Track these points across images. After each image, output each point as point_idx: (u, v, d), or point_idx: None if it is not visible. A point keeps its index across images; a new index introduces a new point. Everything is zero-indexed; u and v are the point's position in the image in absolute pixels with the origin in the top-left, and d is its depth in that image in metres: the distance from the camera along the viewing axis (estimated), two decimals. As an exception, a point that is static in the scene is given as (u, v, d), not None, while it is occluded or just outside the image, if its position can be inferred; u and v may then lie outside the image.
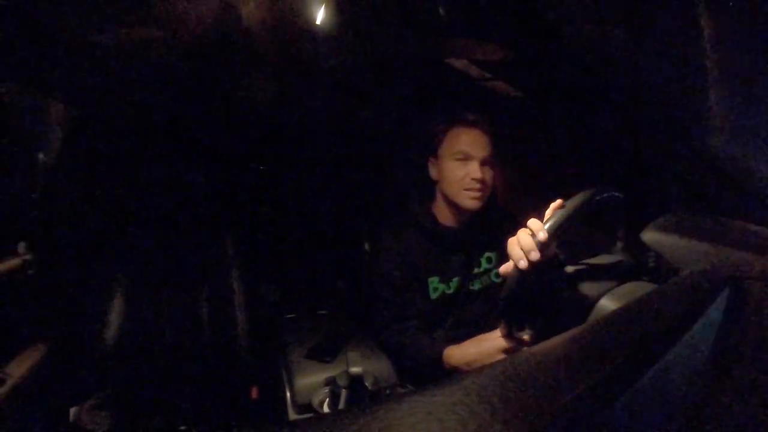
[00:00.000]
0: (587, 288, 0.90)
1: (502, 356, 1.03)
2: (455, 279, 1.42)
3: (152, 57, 1.55)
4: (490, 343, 1.09)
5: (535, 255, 0.87)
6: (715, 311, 0.58)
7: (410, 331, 1.36)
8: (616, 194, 0.91)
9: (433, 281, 1.40)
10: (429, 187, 1.48)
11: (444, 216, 1.45)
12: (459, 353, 1.15)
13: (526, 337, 1.03)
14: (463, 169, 1.34)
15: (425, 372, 1.25)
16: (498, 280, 1.45)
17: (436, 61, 1.60)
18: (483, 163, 1.34)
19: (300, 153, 2.43)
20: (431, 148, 1.43)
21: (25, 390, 1.21)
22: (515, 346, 1.02)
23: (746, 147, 0.82)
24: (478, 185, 1.33)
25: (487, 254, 1.47)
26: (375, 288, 1.43)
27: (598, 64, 1.02)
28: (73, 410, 1.28)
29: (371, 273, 1.46)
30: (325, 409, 1.27)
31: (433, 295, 1.40)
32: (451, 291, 1.41)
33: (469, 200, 1.35)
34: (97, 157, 1.68)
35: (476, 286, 1.44)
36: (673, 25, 0.79)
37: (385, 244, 1.45)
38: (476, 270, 1.45)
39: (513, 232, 1.48)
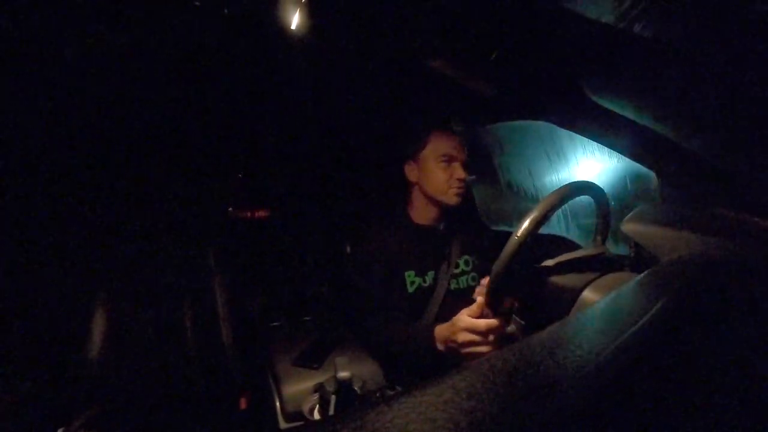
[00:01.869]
0: (569, 280, 0.91)
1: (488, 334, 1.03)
2: (431, 272, 1.47)
3: (128, 65, 1.53)
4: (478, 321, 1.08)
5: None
6: (693, 298, 0.59)
7: (396, 321, 1.38)
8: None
9: (410, 275, 1.45)
10: (403, 189, 1.57)
11: (419, 215, 1.53)
12: (446, 332, 1.14)
13: (511, 329, 1.03)
14: (447, 170, 1.45)
15: (418, 358, 1.24)
16: (475, 284, 1.52)
17: (412, 60, 1.60)
18: (463, 164, 1.46)
19: (279, 159, 2.42)
20: (408, 152, 1.50)
21: (10, 413, 1.18)
22: (501, 325, 1.02)
23: (725, 139, 0.84)
24: (462, 184, 1.45)
25: (465, 257, 1.54)
26: (358, 284, 1.46)
27: (577, 59, 1.03)
28: (60, 431, 1.25)
29: (353, 271, 1.49)
30: (316, 415, 1.26)
31: (410, 289, 1.45)
32: (427, 284, 1.46)
33: (454, 197, 1.45)
34: (75, 168, 1.65)
35: (453, 285, 1.49)
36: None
37: (364, 241, 1.50)
38: (455, 270, 1.50)
39: (487, 237, 1.54)
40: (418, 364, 1.26)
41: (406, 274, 1.45)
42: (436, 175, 1.45)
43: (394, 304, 1.41)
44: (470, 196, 1.57)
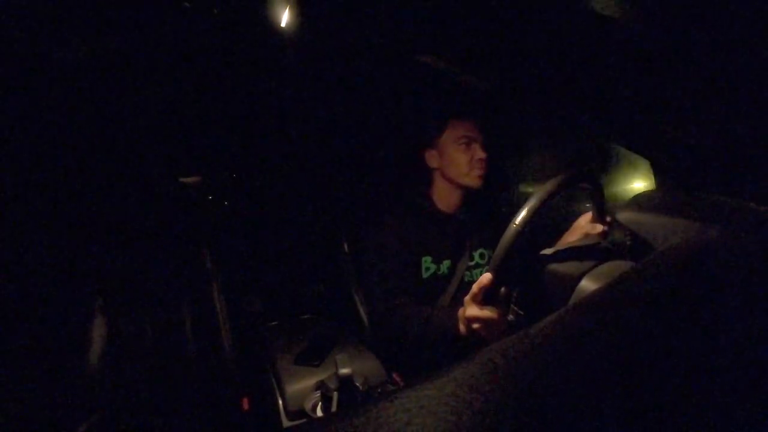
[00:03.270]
0: (567, 269, 0.91)
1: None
2: (446, 261, 1.48)
3: (120, 67, 1.52)
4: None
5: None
6: (690, 285, 0.60)
7: (412, 304, 1.37)
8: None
9: (426, 260, 1.46)
10: (423, 176, 1.58)
11: (441, 201, 1.55)
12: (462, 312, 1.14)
13: (510, 317, 1.03)
14: (467, 152, 1.46)
15: (440, 339, 1.23)
16: None
17: (404, 57, 1.61)
18: (482, 145, 1.47)
19: (274, 158, 2.42)
20: (427, 140, 1.52)
21: (12, 421, 1.18)
22: (500, 313, 1.02)
23: (720, 126, 0.85)
24: (482, 164, 1.46)
25: (480, 250, 1.55)
26: (372, 264, 1.47)
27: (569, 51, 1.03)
28: (64, 440, 1.24)
29: (361, 256, 1.52)
30: (318, 413, 1.27)
31: (425, 275, 1.46)
32: (441, 272, 1.47)
33: (476, 179, 1.47)
34: (70, 172, 1.64)
35: (468, 278, 1.50)
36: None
37: (382, 221, 1.51)
38: (470, 263, 1.51)
39: (502, 230, 1.53)
40: (439, 345, 1.25)
41: (423, 259, 1.46)
42: (457, 158, 1.47)
43: (408, 287, 1.41)
44: (491, 185, 1.57)
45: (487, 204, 1.63)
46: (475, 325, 1.05)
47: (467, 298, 1.05)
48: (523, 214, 0.91)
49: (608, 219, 1.10)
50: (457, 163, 1.47)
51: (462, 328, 1.14)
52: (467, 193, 1.53)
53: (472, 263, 1.52)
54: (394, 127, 2.16)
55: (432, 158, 1.53)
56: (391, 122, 2.18)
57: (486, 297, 1.01)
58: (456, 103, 1.55)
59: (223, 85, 1.91)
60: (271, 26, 1.42)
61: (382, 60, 1.74)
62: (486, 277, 0.97)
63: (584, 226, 1.19)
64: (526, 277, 0.98)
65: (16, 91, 1.39)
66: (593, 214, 1.11)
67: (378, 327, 1.50)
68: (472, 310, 1.04)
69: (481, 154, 1.46)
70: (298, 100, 2.14)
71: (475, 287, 1.01)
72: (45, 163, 1.55)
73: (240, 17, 1.45)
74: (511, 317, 1.03)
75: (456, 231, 1.53)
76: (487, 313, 1.02)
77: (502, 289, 1.00)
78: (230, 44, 1.59)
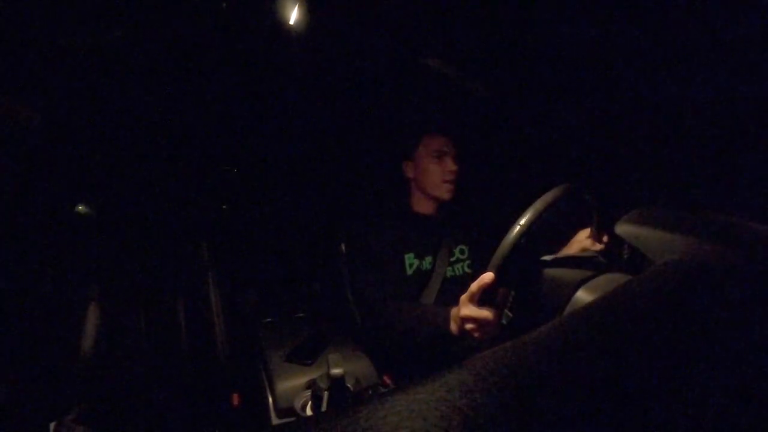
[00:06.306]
0: (564, 279, 0.91)
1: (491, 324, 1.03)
2: (428, 257, 1.57)
3: (124, 59, 1.52)
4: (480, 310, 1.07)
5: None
6: (686, 301, 0.60)
7: (403, 302, 1.44)
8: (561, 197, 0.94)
9: (409, 257, 1.55)
10: (403, 184, 1.68)
11: (418, 206, 1.65)
12: (455, 312, 1.14)
13: (504, 321, 1.03)
14: (439, 165, 1.57)
15: (432, 338, 1.25)
16: (470, 271, 1.62)
17: (410, 60, 1.62)
18: (454, 158, 1.58)
19: (273, 156, 2.42)
20: (406, 152, 1.63)
21: (3, 407, 1.17)
22: (496, 315, 1.02)
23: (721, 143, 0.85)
24: (453, 177, 1.57)
25: (460, 246, 1.63)
26: (359, 262, 1.54)
27: (572, 61, 1.04)
28: (52, 425, 1.24)
29: (353, 257, 1.57)
30: (308, 412, 1.26)
31: (409, 271, 1.54)
32: (424, 269, 1.56)
33: (446, 192, 1.58)
34: (69, 163, 1.64)
35: (450, 273, 1.57)
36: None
37: (364, 227, 1.59)
38: (451, 259, 1.59)
39: (483, 228, 1.59)
40: (431, 343, 1.27)
41: (406, 256, 1.54)
42: (430, 169, 1.58)
43: (394, 282, 1.49)
44: (464, 189, 1.63)
45: (463, 205, 1.72)
46: (469, 326, 1.06)
47: (464, 297, 1.06)
48: (528, 215, 0.91)
49: (605, 239, 1.10)
50: (430, 175, 1.59)
51: (454, 327, 1.16)
52: (441, 201, 1.63)
53: (453, 259, 1.60)
54: (380, 137, 2.19)
55: (409, 169, 1.63)
56: (378, 132, 2.20)
57: (484, 297, 1.01)
58: (430, 119, 1.66)
59: (227, 81, 1.91)
60: (279, 23, 1.43)
61: (384, 62, 1.76)
62: (487, 275, 0.98)
63: (582, 241, 1.21)
64: (524, 282, 0.98)
65: (17, 82, 1.39)
66: (592, 230, 1.11)
67: (368, 321, 1.51)
68: (467, 310, 1.04)
69: (452, 166, 1.56)
70: (301, 98, 2.14)
71: (474, 286, 1.02)
72: (45, 154, 1.55)
73: (247, 13, 1.45)
74: (504, 321, 1.03)
75: (435, 230, 1.62)
76: (483, 313, 1.02)
77: (500, 290, 1.00)
78: (236, 40, 1.59)
